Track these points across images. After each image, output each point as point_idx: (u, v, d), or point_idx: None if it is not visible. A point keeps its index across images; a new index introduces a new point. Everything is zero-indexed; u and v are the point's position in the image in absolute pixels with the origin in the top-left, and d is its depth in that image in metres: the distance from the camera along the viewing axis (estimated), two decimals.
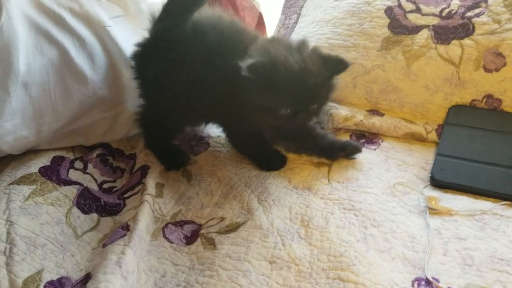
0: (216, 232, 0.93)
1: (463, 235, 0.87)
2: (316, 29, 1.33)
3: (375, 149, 1.10)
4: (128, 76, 1.12)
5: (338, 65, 0.95)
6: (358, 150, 1.06)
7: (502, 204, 0.94)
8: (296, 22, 1.44)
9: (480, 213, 0.92)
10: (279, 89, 0.90)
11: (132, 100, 1.14)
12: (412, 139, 1.13)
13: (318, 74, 0.91)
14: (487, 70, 1.12)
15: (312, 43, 0.99)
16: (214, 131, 1.21)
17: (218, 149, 1.15)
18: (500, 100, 1.11)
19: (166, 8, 1.01)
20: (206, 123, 1.15)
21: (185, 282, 0.83)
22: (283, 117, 0.94)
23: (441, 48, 1.15)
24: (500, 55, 1.11)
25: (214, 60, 0.96)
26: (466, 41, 1.14)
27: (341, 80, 1.19)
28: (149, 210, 0.94)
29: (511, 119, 1.09)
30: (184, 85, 0.99)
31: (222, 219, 0.96)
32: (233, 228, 0.93)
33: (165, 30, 1.00)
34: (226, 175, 1.07)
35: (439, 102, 1.16)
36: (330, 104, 1.19)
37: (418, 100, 1.17)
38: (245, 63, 0.88)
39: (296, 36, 1.38)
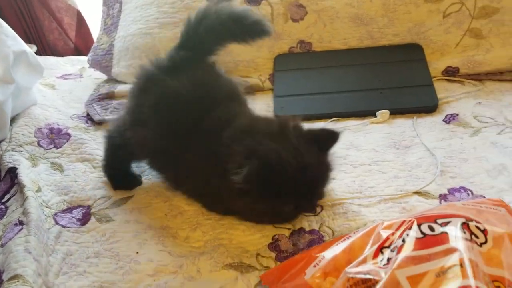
0: (107, 208, 1.00)
1: None
2: (142, 13, 1.43)
3: None
4: None
5: (329, 139, 0.87)
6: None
7: (331, 121, 1.18)
8: (120, 11, 1.51)
9: None
10: (280, 190, 0.81)
11: None
12: (252, 91, 1.32)
13: (315, 160, 0.83)
14: (294, 20, 1.35)
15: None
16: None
17: (80, 137, 1.20)
18: (310, 43, 1.36)
19: (188, 42, 0.99)
20: None
21: (94, 253, 0.89)
22: (286, 213, 0.87)
23: (255, 9, 1.35)
24: (301, 6, 1.35)
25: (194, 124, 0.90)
26: (273, 0, 1.36)
27: None
28: (35, 202, 0.96)
29: (322, 56, 1.35)
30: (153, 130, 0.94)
31: (109, 197, 1.03)
32: (122, 202, 1.01)
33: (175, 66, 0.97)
34: (97, 158, 1.13)
35: (265, 55, 1.36)
36: None
37: (249, 57, 1.36)
38: (238, 176, 0.78)
39: (124, 23, 1.47)
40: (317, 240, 0.85)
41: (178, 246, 0.88)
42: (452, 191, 0.94)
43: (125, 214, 0.97)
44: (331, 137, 0.87)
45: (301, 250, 0.84)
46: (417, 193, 0.94)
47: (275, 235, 0.88)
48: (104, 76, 1.51)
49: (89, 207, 1.01)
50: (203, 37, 0.98)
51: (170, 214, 0.96)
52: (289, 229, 0.89)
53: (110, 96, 1.36)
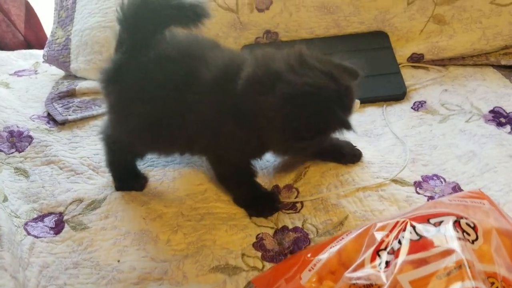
0: (81, 214, 0.96)
1: None
2: (99, 5, 1.37)
3: None
4: None
5: (355, 75, 0.87)
6: (357, 159, 1.01)
7: None
8: (74, 2, 1.44)
9: None
10: (330, 119, 0.81)
11: None
12: None
13: (346, 78, 0.84)
14: (259, 10, 1.32)
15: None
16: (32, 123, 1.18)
17: (44, 139, 1.14)
18: (276, 33, 1.34)
19: (128, 30, 0.90)
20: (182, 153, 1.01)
21: (72, 264, 0.85)
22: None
23: (219, 0, 1.32)
24: None
25: (206, 85, 0.86)
26: None
27: None
28: (4, 213, 0.91)
29: (289, 46, 1.29)
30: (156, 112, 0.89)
31: (80, 200, 0.99)
32: (95, 205, 0.97)
33: (128, 54, 0.90)
34: (62, 159, 1.08)
35: (231, 46, 1.33)
36: None
37: None
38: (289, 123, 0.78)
39: (80, 16, 1.40)
40: (302, 238, 0.86)
41: (161, 251, 0.87)
42: (425, 178, 0.96)
43: (101, 220, 0.94)
44: (355, 74, 0.86)
45: (287, 249, 0.84)
46: (394, 181, 0.95)
47: (259, 234, 0.88)
48: (60, 71, 1.44)
49: (61, 214, 0.96)
50: (143, 25, 0.89)
51: (148, 217, 0.94)
52: (272, 227, 0.89)
53: (71, 94, 1.30)
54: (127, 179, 1.03)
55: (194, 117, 0.87)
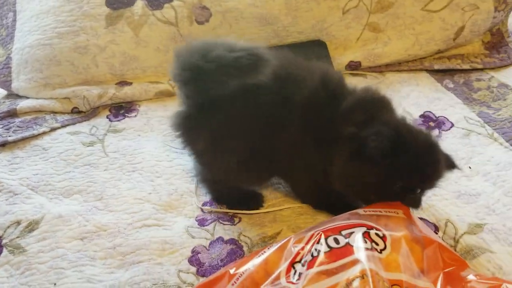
0: (19, 237, 0.95)
1: None
2: (38, 22, 1.36)
3: (135, 115, 1.25)
4: None
5: (449, 163, 0.87)
6: None
7: None
8: (14, 20, 1.42)
9: None
10: (407, 166, 0.78)
11: None
12: (163, 96, 1.31)
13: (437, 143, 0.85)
14: (199, 22, 1.34)
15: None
16: None
17: None
18: None
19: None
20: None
21: None
22: (394, 194, 0.80)
23: (158, 13, 1.33)
24: (205, 8, 1.34)
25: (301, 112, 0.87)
26: (176, 3, 1.34)
27: (82, 62, 1.29)
28: None
29: None
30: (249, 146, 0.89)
31: (18, 222, 0.98)
32: (33, 226, 0.97)
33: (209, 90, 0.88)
34: (2, 181, 1.07)
35: (172, 60, 1.34)
36: (81, 88, 1.28)
37: (156, 63, 1.34)
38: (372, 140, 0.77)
39: (20, 34, 1.38)
40: (237, 250, 0.88)
41: (98, 272, 0.87)
42: None
43: (38, 243, 0.93)
44: (451, 164, 0.87)
45: (221, 261, 0.86)
46: None
47: (194, 247, 0.89)
48: (3, 91, 1.42)
49: (0, 238, 0.96)
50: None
51: (86, 238, 0.94)
52: (207, 239, 0.91)
53: (12, 113, 1.28)
54: (245, 200, 1.00)
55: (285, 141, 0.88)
